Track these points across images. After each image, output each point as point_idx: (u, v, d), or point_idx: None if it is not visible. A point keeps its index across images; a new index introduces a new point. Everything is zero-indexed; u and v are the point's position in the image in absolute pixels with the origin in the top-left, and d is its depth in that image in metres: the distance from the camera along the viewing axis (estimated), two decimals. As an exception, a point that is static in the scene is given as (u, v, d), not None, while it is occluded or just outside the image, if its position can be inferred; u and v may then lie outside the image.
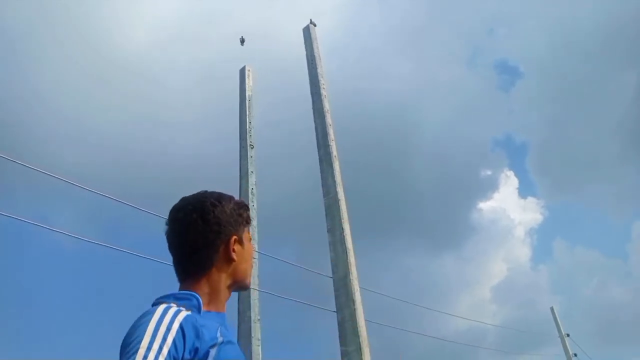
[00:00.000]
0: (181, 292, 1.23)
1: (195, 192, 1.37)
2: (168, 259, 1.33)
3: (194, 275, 1.27)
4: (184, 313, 1.11)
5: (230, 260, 1.30)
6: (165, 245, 1.33)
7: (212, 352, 1.10)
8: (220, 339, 1.15)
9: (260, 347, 5.64)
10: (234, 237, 1.32)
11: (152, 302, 1.19)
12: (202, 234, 1.28)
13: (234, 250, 1.31)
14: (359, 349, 4.79)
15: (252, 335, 5.64)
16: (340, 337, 5.02)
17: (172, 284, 1.30)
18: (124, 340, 1.05)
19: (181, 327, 1.07)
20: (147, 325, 1.04)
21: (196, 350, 1.07)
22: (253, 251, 1.41)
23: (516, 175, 37.90)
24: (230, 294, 1.33)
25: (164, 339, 1.02)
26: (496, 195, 35.81)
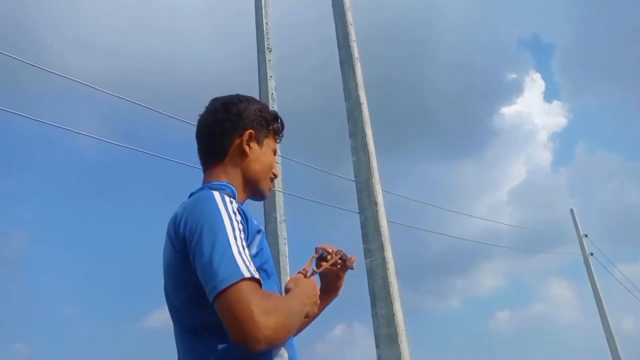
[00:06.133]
0: (215, 182, 1.26)
1: (209, 96, 1.38)
2: (185, 159, 1.38)
3: (211, 165, 1.30)
4: (232, 199, 1.16)
5: (243, 154, 1.30)
6: (181, 148, 1.38)
7: (258, 237, 1.16)
8: (262, 227, 1.21)
9: (287, 245, 5.95)
10: (250, 131, 1.31)
11: (187, 195, 1.23)
12: (219, 122, 1.31)
13: (248, 145, 1.30)
14: (381, 247, 5.01)
15: (279, 234, 5.93)
16: (363, 236, 5.23)
17: (187, 185, 1.35)
18: (193, 218, 1.09)
19: (238, 209, 1.13)
20: (217, 207, 1.09)
21: (247, 232, 1.13)
22: (273, 163, 1.38)
23: (543, 78, 36.18)
24: (245, 197, 1.33)
25: (237, 221, 1.09)
26: (520, 100, 34.64)
